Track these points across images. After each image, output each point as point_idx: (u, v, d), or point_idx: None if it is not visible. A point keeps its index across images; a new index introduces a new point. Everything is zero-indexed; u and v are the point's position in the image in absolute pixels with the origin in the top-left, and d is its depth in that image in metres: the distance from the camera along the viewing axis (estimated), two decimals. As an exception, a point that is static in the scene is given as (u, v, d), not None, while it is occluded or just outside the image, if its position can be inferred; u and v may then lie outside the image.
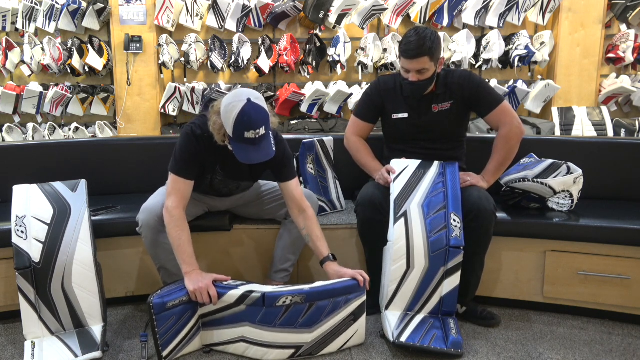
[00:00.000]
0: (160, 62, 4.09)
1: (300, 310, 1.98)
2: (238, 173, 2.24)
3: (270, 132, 2.00)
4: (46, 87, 4.21)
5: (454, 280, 2.07)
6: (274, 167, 2.18)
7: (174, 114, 4.17)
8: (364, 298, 2.05)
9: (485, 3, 3.97)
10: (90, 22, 4.08)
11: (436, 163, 2.30)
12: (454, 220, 2.08)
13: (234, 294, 1.98)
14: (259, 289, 2.00)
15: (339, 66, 4.05)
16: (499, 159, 2.33)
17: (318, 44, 4.13)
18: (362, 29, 4.07)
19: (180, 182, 2.07)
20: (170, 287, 2.01)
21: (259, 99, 1.95)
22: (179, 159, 2.08)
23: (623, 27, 4.01)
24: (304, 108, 4.11)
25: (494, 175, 2.33)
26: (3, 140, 4.18)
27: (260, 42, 4.11)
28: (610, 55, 4.03)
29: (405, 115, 2.37)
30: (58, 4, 4.00)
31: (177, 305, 1.96)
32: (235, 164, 2.09)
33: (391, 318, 2.09)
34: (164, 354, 1.97)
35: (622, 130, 3.86)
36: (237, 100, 1.89)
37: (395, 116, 2.39)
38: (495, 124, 2.35)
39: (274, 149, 2.00)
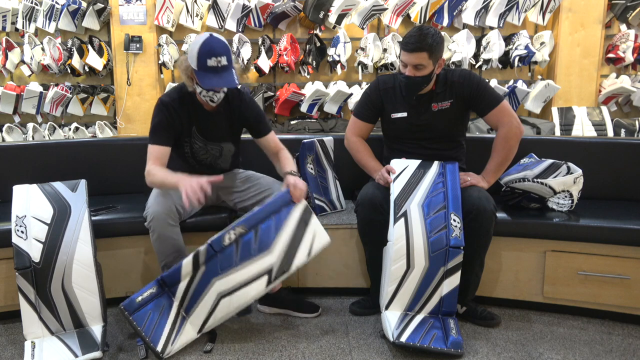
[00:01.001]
0: (160, 62, 4.10)
1: (249, 239, 2.04)
2: (216, 132, 2.30)
3: (234, 69, 2.12)
4: (46, 87, 4.21)
5: (453, 281, 2.07)
6: (251, 121, 2.33)
7: (174, 114, 4.17)
8: (305, 202, 2.14)
9: (485, 3, 3.97)
10: (90, 22, 4.08)
11: (436, 163, 2.30)
12: (454, 220, 2.09)
13: (187, 262, 2.05)
14: (207, 241, 2.07)
15: (339, 66, 4.05)
16: (498, 159, 2.33)
17: (318, 44, 4.13)
18: (362, 29, 4.07)
19: (155, 149, 2.19)
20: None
21: (220, 36, 2.11)
22: (152, 130, 2.21)
23: (623, 27, 4.02)
24: (304, 108, 4.11)
25: (494, 175, 2.33)
26: (3, 140, 4.18)
27: (260, 42, 4.12)
28: (610, 55, 4.03)
29: (405, 114, 2.37)
30: (58, 4, 4.00)
31: (149, 300, 2.02)
32: (211, 122, 2.25)
33: (391, 318, 2.09)
34: (159, 349, 1.98)
35: (622, 130, 3.86)
36: (200, 36, 2.08)
37: (394, 115, 2.39)
38: (494, 123, 2.35)
39: (237, 81, 2.11)
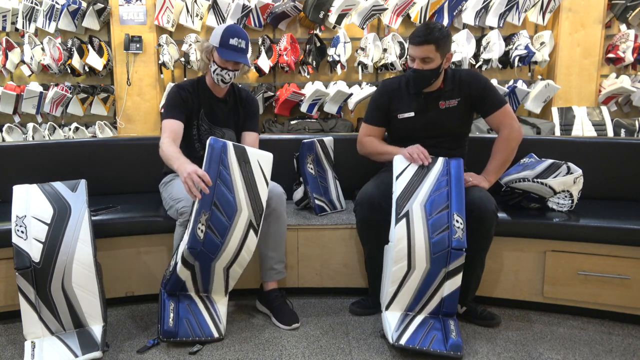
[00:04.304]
0: (160, 62, 4.10)
1: (216, 216, 2.07)
2: (221, 117, 2.46)
3: (248, 55, 2.38)
4: (46, 87, 4.21)
5: (455, 282, 2.05)
6: (248, 115, 2.51)
7: (174, 114, 4.16)
8: (229, 142, 2.16)
9: (485, 3, 3.97)
10: (90, 22, 4.08)
11: (440, 159, 2.26)
12: (457, 221, 2.06)
13: (180, 268, 2.08)
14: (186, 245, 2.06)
15: (339, 66, 4.05)
16: (500, 159, 2.34)
17: (318, 44, 4.13)
18: (362, 29, 4.07)
19: (169, 122, 2.33)
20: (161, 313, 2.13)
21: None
22: (166, 107, 2.38)
23: (623, 27, 4.01)
24: (304, 108, 4.11)
25: (495, 175, 2.34)
26: (3, 140, 4.18)
27: (260, 42, 4.12)
28: (610, 55, 4.03)
29: (412, 114, 2.38)
30: (58, 4, 4.00)
31: (176, 314, 2.10)
32: (218, 107, 2.45)
33: (391, 319, 2.08)
34: (216, 335, 2.12)
35: (622, 130, 3.86)
36: (224, 24, 2.42)
37: (401, 116, 2.40)
38: (496, 125, 2.36)
39: (249, 63, 2.45)
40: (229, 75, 2.33)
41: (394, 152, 2.32)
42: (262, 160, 2.20)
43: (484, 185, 2.27)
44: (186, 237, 2.06)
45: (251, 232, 2.12)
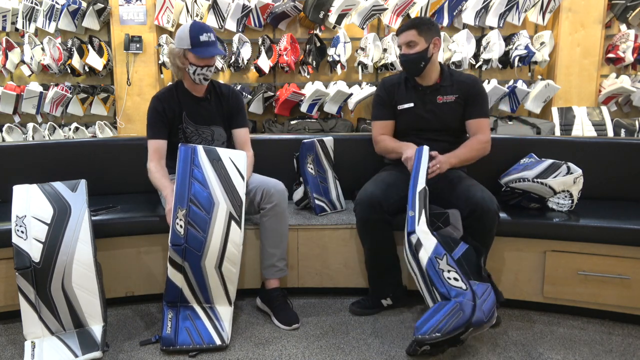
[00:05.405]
0: (160, 62, 4.10)
1: (194, 211, 2.11)
2: (205, 116, 2.46)
3: (218, 44, 2.40)
4: (46, 87, 4.21)
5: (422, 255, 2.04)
6: (234, 110, 2.51)
7: (174, 114, 4.17)
8: (199, 146, 2.25)
9: (485, 3, 3.97)
10: (90, 22, 4.08)
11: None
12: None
13: (171, 272, 2.09)
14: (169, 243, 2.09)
15: (339, 66, 4.05)
16: (467, 152, 2.37)
17: (318, 44, 4.13)
18: (362, 29, 4.07)
19: (154, 143, 2.40)
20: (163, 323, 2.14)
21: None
22: (149, 125, 2.43)
23: (623, 27, 4.01)
24: (304, 108, 4.11)
25: (457, 160, 2.33)
26: (3, 140, 4.18)
27: (260, 42, 4.12)
28: (610, 55, 4.03)
29: (411, 105, 2.45)
30: (58, 4, 4.00)
31: (175, 323, 2.11)
32: (200, 106, 2.45)
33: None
34: (218, 343, 2.08)
35: (622, 130, 3.86)
36: (185, 24, 2.35)
37: (401, 107, 2.46)
38: (473, 129, 2.43)
39: (224, 51, 2.46)
40: (210, 71, 2.36)
41: (400, 150, 2.37)
42: (234, 157, 2.26)
43: (445, 166, 2.26)
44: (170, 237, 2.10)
45: (233, 224, 2.14)
